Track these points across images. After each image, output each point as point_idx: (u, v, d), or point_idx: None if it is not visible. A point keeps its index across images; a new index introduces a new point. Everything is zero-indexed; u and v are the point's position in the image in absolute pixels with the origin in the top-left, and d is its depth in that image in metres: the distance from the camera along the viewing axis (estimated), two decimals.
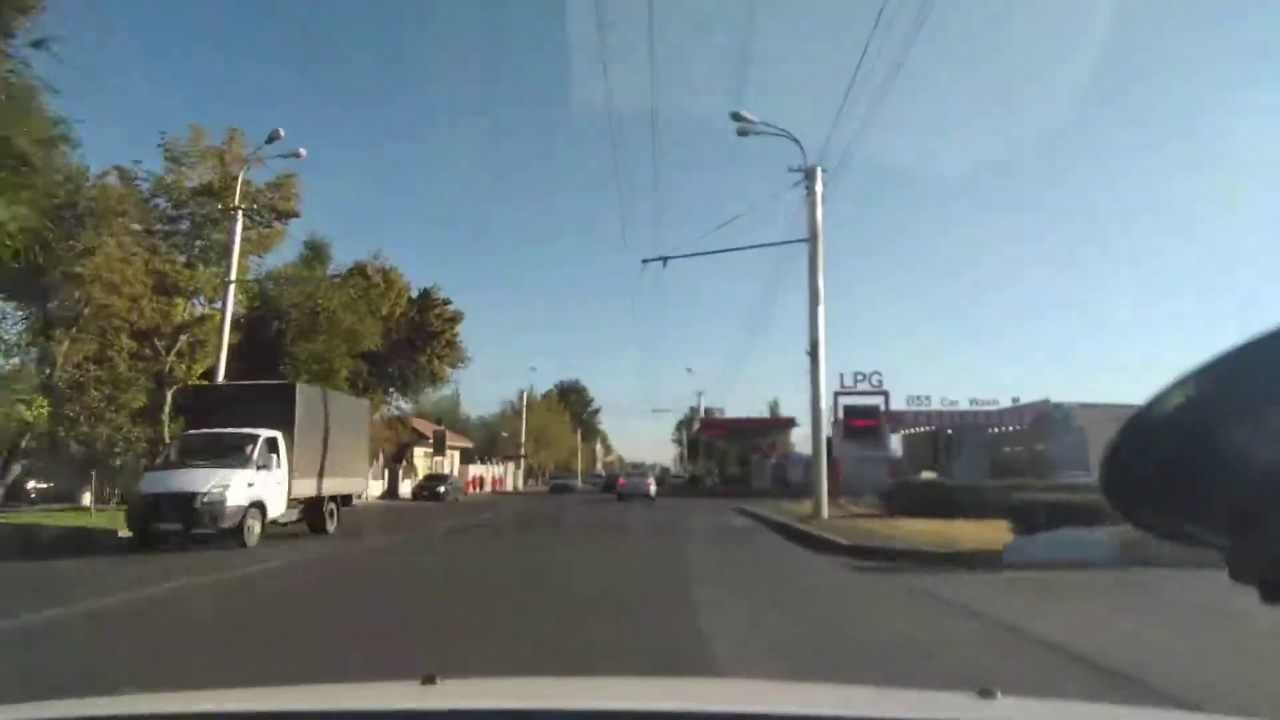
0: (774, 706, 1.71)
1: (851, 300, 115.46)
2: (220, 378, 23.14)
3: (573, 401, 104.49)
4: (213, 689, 2.00)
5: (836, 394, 33.45)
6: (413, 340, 39.74)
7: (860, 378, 33.08)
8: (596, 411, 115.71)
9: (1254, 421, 0.78)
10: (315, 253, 32.69)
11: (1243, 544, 0.84)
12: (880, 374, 33.06)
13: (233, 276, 23.57)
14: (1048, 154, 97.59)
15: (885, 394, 33.24)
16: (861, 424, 32.95)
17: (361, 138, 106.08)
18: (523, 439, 72.94)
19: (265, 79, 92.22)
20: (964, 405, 48.97)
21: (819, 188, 19.70)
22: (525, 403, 74.05)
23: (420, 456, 48.92)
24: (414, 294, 41.08)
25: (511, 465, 72.06)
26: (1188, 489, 0.84)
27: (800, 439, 79.28)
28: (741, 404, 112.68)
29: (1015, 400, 46.17)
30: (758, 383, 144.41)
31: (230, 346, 31.90)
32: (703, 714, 1.61)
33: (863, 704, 1.84)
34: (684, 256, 20.22)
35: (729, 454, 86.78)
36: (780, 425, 63.62)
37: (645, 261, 19.73)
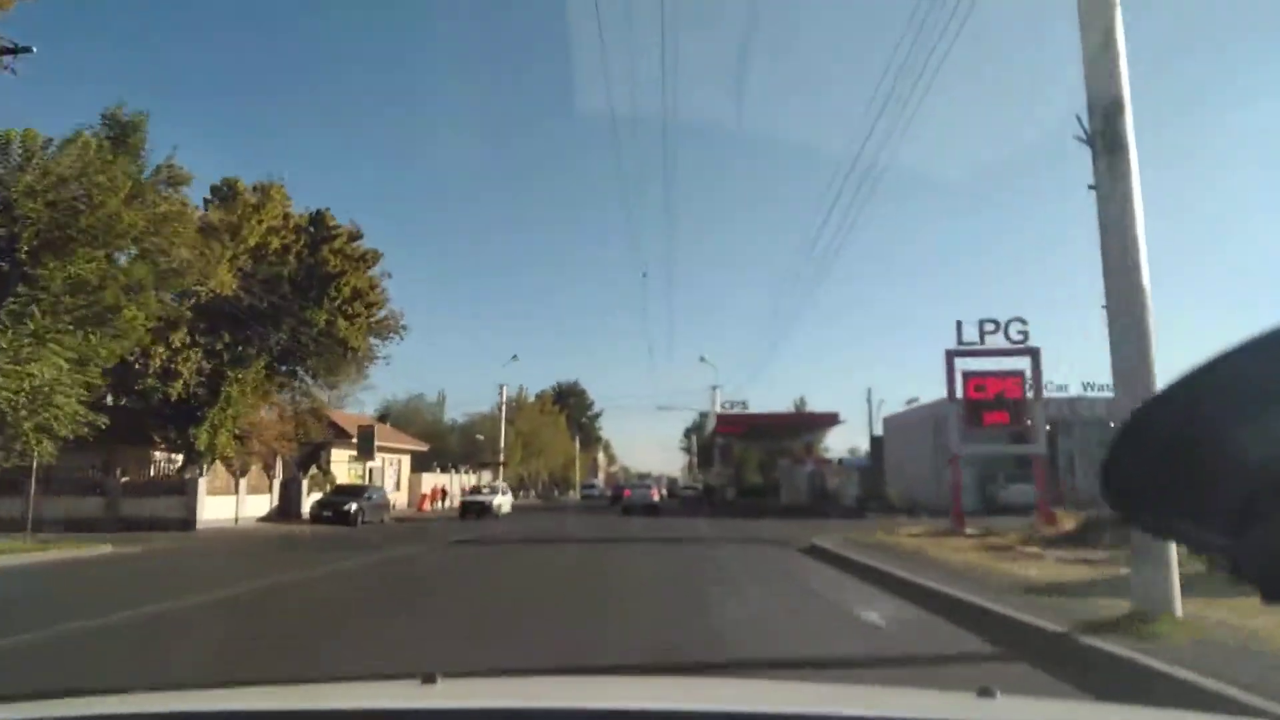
0: (774, 706, 1.65)
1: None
2: None
3: (571, 405, 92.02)
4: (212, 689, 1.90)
5: (950, 353, 20.81)
6: (303, 290, 27.24)
7: (991, 327, 20.45)
8: (597, 416, 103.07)
9: (1254, 421, 0.77)
10: (116, 134, 20.21)
11: (1243, 544, 0.82)
12: (1025, 321, 20.43)
13: None
14: None
15: (1034, 352, 20.55)
16: (994, 393, 20.14)
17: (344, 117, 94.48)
18: (502, 443, 60.38)
19: (261, 84, 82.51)
20: (1074, 391, 36.68)
21: None
22: (504, 398, 61.56)
23: (345, 461, 36.22)
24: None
25: (488, 475, 59.28)
26: (1188, 489, 0.84)
27: (835, 441, 66.08)
28: (762, 403, 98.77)
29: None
30: (781, 379, 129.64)
31: None
32: (703, 714, 1.57)
33: (863, 703, 1.76)
34: None
35: (748, 461, 73.66)
36: (817, 422, 50.50)
37: None
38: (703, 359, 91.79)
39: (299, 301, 26.82)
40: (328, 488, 32.07)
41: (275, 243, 25.99)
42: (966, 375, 20.62)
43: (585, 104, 67.33)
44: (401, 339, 33.19)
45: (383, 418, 46.69)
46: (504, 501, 37.15)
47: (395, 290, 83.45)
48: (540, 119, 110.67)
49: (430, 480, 45.95)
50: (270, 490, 29.22)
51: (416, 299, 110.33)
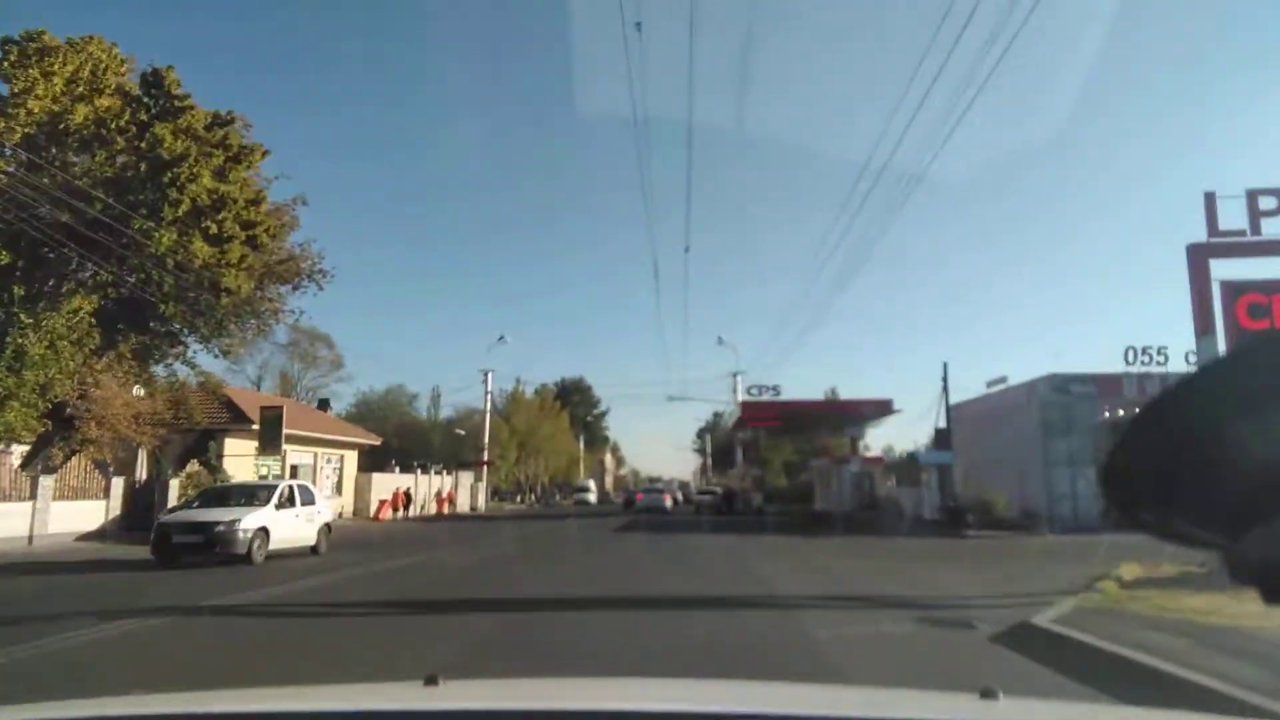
0: (775, 707, 1.65)
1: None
2: None
3: (575, 402, 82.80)
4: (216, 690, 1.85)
5: (1195, 250, 11.47)
6: (128, 187, 18.13)
7: (1272, 203, 11.09)
8: (604, 414, 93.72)
9: (1253, 422, 0.78)
10: None
11: (1243, 544, 0.82)
12: None
13: None
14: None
15: None
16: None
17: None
18: (485, 439, 51.46)
19: (263, 83, 74.71)
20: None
21: None
22: (489, 386, 52.66)
23: (252, 455, 27.05)
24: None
25: (470, 476, 50.28)
26: (1189, 489, 0.83)
27: (871, 436, 55.63)
28: (786, 395, 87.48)
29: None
30: (806, 368, 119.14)
31: None
32: (704, 714, 1.56)
33: (865, 705, 1.76)
34: None
35: (773, 461, 64.10)
36: (866, 411, 40.73)
37: None
38: (721, 340, 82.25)
39: (129, 211, 17.73)
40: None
41: (82, 114, 16.94)
42: (1230, 289, 11.31)
43: (595, 92, 58.52)
44: (321, 288, 24.22)
45: (323, 404, 37.64)
46: (273, 521, 15.11)
47: (395, 286, 75.07)
48: (545, 109, 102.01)
49: (388, 483, 36.74)
50: (108, 494, 20.22)
51: (416, 295, 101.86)
